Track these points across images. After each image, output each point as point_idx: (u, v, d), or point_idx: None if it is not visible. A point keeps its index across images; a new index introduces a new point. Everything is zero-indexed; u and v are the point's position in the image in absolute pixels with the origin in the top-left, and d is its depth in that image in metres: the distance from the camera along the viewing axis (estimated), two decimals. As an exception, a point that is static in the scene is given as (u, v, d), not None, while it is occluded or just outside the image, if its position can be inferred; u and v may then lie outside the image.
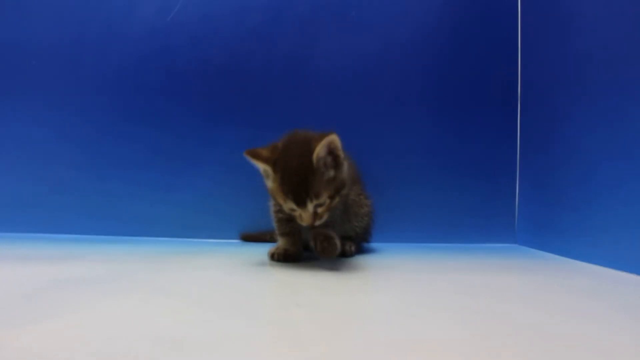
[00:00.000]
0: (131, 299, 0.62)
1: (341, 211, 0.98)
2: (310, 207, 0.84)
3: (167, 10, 1.31)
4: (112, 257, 0.96)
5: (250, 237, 1.29)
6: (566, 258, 1.06)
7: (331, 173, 0.86)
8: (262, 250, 1.02)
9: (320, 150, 0.83)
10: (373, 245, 1.19)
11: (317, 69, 1.32)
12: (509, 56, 1.34)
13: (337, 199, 0.87)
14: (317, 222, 0.86)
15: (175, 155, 1.31)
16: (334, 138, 0.84)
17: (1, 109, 1.31)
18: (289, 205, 0.87)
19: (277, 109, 1.31)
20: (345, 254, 1.03)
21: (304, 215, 0.86)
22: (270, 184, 0.89)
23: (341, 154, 0.87)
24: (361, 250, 1.12)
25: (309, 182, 0.83)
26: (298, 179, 0.83)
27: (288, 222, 0.97)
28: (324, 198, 0.85)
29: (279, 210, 0.95)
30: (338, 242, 0.89)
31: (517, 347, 0.46)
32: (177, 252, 1.06)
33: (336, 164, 0.86)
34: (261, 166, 0.88)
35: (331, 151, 0.85)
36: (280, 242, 0.99)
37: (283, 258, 0.94)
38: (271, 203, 0.99)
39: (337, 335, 0.50)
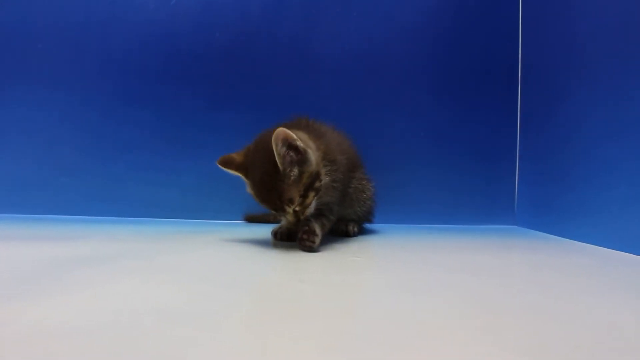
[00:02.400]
0: (136, 277, 0.64)
1: (338, 198, 0.96)
2: (289, 210, 0.84)
3: (170, -7, 1.31)
4: (116, 238, 0.98)
5: (254, 218, 1.30)
6: (565, 239, 1.07)
7: (295, 172, 0.81)
8: (266, 231, 1.04)
9: (278, 150, 0.78)
10: (375, 226, 1.20)
11: (319, 53, 1.32)
12: (510, 39, 1.34)
13: (313, 193, 0.84)
14: (303, 217, 0.86)
15: (179, 138, 1.32)
16: (280, 131, 0.78)
17: (6, 93, 1.31)
18: (269, 210, 0.89)
19: (279, 93, 1.31)
20: (348, 234, 1.05)
21: (286, 220, 0.89)
22: (247, 189, 0.90)
23: (299, 143, 0.81)
24: (363, 231, 1.13)
25: (278, 190, 0.81)
26: (267, 189, 0.82)
27: None
28: (297, 199, 0.83)
29: None
30: (318, 239, 0.86)
31: (514, 324, 0.48)
32: (182, 233, 1.07)
33: (299, 156, 0.81)
34: (233, 174, 0.89)
35: (289, 144, 0.80)
36: (284, 222, 1.00)
37: (286, 237, 0.96)
38: None
39: (338, 310, 0.51)
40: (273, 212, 0.88)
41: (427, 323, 0.46)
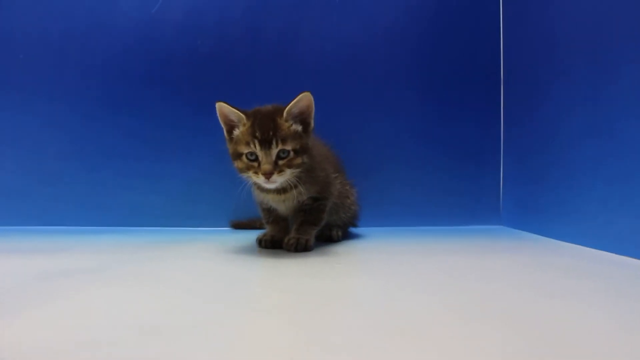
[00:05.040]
0: (119, 288, 0.64)
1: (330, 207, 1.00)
2: (274, 150, 0.84)
3: (152, 1, 1.30)
4: (101, 248, 0.97)
5: (240, 225, 1.30)
6: (549, 238, 1.09)
7: (299, 128, 0.87)
8: (251, 238, 1.04)
9: (292, 105, 0.86)
10: (359, 230, 1.21)
11: (302, 55, 1.33)
12: (492, 39, 1.35)
13: (298, 162, 0.86)
14: (276, 177, 0.84)
15: (163, 145, 1.32)
16: (309, 94, 0.86)
17: (-12, 102, 1.30)
18: (251, 150, 0.85)
19: (263, 96, 1.28)
20: (332, 239, 1.05)
21: (265, 162, 0.84)
22: (237, 132, 0.88)
23: (311, 121, 0.89)
24: (348, 235, 1.14)
25: (278, 125, 0.84)
26: (268, 121, 0.85)
27: (271, 212, 0.99)
28: (289, 147, 0.85)
29: (261, 202, 0.98)
30: (302, 242, 0.91)
31: (499, 326, 0.48)
32: (167, 242, 1.07)
33: (305, 128, 0.88)
34: (234, 114, 0.88)
35: (302, 112, 0.87)
36: (268, 229, 1.01)
37: (270, 245, 0.96)
38: (254, 193, 0.99)
39: (319, 319, 0.51)
40: (251, 155, 0.85)
41: (412, 328, 0.46)
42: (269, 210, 0.99)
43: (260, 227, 1.20)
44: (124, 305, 0.55)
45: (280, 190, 0.91)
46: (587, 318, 0.51)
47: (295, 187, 0.89)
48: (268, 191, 0.92)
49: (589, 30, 0.96)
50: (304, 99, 0.86)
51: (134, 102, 1.31)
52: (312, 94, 0.87)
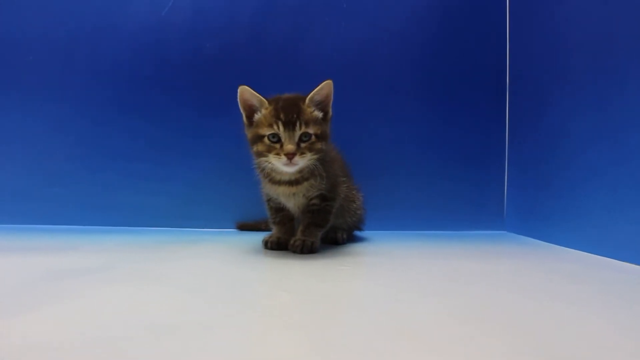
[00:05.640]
0: (126, 287, 0.64)
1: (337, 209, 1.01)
2: (297, 132, 0.86)
3: (161, 4, 1.32)
4: (107, 247, 0.98)
5: (246, 226, 1.31)
6: (552, 244, 1.09)
7: (320, 114, 0.90)
8: (257, 239, 1.05)
9: (315, 93, 0.89)
10: (364, 233, 1.21)
11: (308, 59, 1.33)
12: (498, 46, 1.36)
13: (319, 147, 0.89)
14: (298, 159, 0.86)
15: (169, 147, 1.33)
16: (330, 83, 0.90)
17: (-2, 103, 1.32)
18: (274, 131, 0.86)
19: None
20: (337, 242, 1.06)
21: (288, 142, 0.85)
22: (258, 115, 0.90)
23: (330, 110, 0.92)
24: (353, 239, 1.14)
25: (302, 110, 0.88)
26: (292, 105, 0.88)
27: (278, 211, 1.00)
28: (312, 130, 0.87)
29: (269, 199, 0.99)
30: (307, 244, 0.92)
31: (502, 330, 0.48)
32: (173, 242, 1.08)
33: (324, 116, 0.91)
34: (256, 98, 0.90)
35: (322, 100, 0.90)
36: (274, 231, 1.02)
37: (276, 246, 0.97)
38: (262, 192, 1.01)
39: (322, 321, 0.52)
40: (274, 137, 0.87)
41: (414, 332, 0.47)
42: (277, 210, 1.00)
43: (265, 229, 1.21)
44: (131, 304, 0.56)
45: (293, 182, 0.92)
46: (589, 323, 0.51)
47: (307, 179, 0.91)
48: (280, 183, 0.93)
49: (595, 37, 0.97)
50: (325, 87, 0.90)
51: (140, 105, 1.32)
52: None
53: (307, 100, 0.89)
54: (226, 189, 1.32)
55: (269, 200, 1.00)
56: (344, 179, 1.04)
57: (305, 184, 0.92)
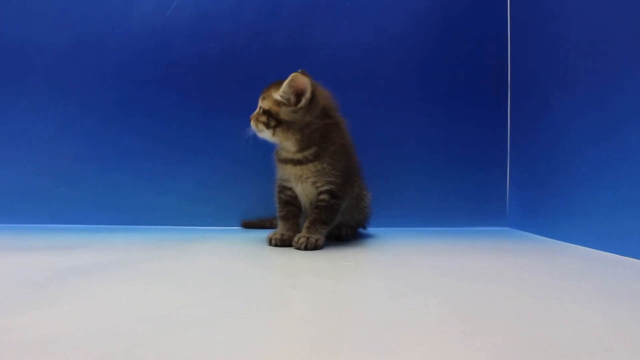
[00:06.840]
0: (135, 284, 0.66)
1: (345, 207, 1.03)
2: (259, 105, 1.00)
3: (165, 6, 1.33)
4: (115, 246, 1.00)
5: (250, 224, 1.32)
6: (554, 240, 1.10)
7: (288, 99, 0.97)
8: (262, 237, 1.06)
9: (288, 84, 0.96)
10: (369, 230, 1.23)
11: (311, 61, 1.34)
12: (499, 46, 1.37)
13: (273, 123, 0.96)
14: (254, 125, 0.98)
15: (175, 146, 1.35)
16: (306, 80, 0.94)
17: (7, 104, 1.33)
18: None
19: None
20: (341, 238, 1.07)
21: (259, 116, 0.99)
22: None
23: (307, 95, 0.96)
24: (357, 235, 1.16)
25: (270, 92, 1.00)
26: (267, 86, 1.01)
27: (286, 205, 1.03)
28: (272, 108, 0.97)
29: (281, 190, 1.03)
30: (311, 242, 0.94)
31: (505, 326, 0.49)
32: (180, 240, 1.09)
33: (296, 100, 0.96)
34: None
35: (301, 91, 0.95)
36: (279, 227, 1.03)
37: (280, 243, 0.98)
38: (275, 185, 1.06)
39: (327, 315, 0.53)
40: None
41: (416, 327, 0.48)
42: (285, 203, 1.03)
43: (270, 227, 1.22)
44: (141, 300, 0.57)
45: (296, 161, 0.97)
46: (591, 318, 0.52)
47: (311, 161, 0.96)
48: (286, 161, 0.98)
49: (595, 38, 0.98)
50: (299, 79, 0.95)
51: (147, 105, 1.34)
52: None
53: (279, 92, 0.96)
54: (231, 187, 1.34)
55: (280, 192, 1.04)
56: (357, 179, 1.07)
57: (310, 165, 0.96)
